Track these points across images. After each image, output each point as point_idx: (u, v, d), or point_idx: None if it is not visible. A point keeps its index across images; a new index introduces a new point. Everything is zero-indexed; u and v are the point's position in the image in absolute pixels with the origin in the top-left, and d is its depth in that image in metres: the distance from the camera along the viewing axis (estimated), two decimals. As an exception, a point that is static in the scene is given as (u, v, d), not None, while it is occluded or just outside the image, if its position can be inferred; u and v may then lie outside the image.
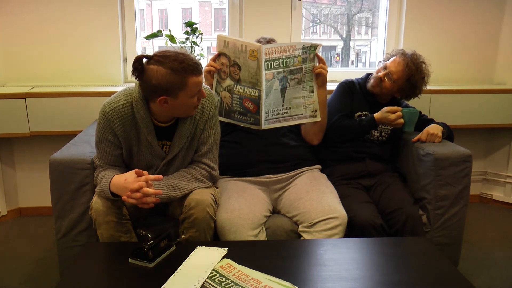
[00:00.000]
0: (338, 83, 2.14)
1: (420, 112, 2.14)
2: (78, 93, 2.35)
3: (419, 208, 1.85)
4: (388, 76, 1.96)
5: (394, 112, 1.92)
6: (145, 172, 1.43)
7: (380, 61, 2.10)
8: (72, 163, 1.65)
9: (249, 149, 1.86)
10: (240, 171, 1.85)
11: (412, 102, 2.13)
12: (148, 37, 2.45)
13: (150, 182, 1.42)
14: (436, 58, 2.68)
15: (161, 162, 1.61)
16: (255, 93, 1.74)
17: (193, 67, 1.43)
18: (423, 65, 1.97)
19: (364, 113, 2.04)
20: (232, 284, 1.16)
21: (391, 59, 2.00)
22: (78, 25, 2.49)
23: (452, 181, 1.82)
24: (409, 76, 1.95)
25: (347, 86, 2.08)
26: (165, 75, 1.41)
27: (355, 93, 2.07)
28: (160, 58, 1.42)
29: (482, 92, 2.61)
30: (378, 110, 1.96)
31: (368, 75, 2.11)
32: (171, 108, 1.48)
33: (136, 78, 1.46)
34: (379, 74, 1.99)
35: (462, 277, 1.23)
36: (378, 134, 2.04)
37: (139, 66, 1.43)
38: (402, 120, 1.93)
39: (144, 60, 1.44)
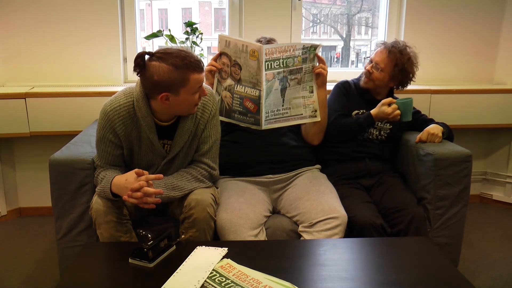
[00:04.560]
0: (335, 84, 2.14)
1: (420, 112, 2.15)
2: (78, 93, 2.36)
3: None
4: (375, 67, 1.98)
5: (389, 105, 1.92)
6: (145, 172, 1.44)
7: (365, 58, 2.12)
8: (72, 163, 1.65)
9: (249, 149, 1.86)
10: (240, 171, 1.85)
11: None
12: (148, 37, 2.45)
13: (150, 181, 1.42)
14: (436, 58, 2.70)
15: (162, 161, 1.61)
16: (255, 93, 1.74)
17: (195, 64, 1.43)
18: (407, 48, 1.99)
19: (361, 111, 2.04)
20: (232, 284, 1.16)
21: (375, 52, 2.03)
22: (78, 25, 2.49)
23: (452, 181, 1.82)
24: (395, 61, 1.96)
25: (343, 87, 2.09)
26: (167, 72, 1.41)
27: (351, 93, 2.08)
28: (162, 54, 1.42)
29: (482, 92, 2.61)
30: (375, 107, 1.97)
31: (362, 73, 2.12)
32: (172, 105, 1.49)
33: (137, 74, 1.47)
34: (367, 68, 2.02)
35: (462, 277, 1.23)
36: (378, 133, 2.04)
37: (141, 62, 1.43)
38: (398, 112, 1.92)
39: (146, 57, 1.44)
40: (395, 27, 2.78)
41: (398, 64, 1.96)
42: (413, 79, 2.04)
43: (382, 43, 2.03)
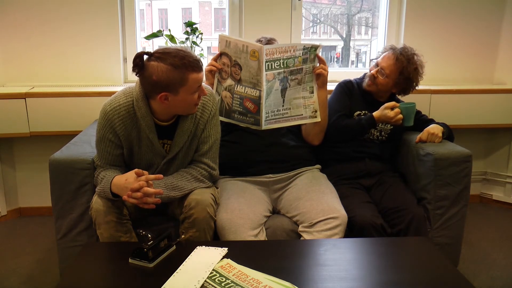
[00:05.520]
0: (337, 83, 2.14)
1: (420, 112, 2.15)
2: (78, 93, 2.36)
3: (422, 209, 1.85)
4: (381, 72, 1.97)
5: (392, 109, 1.92)
6: (145, 172, 1.44)
7: (371, 60, 2.11)
8: (72, 163, 1.65)
9: (249, 149, 1.86)
10: (240, 171, 1.85)
11: (412, 101, 2.13)
12: (148, 37, 2.45)
13: (150, 182, 1.42)
14: (436, 58, 2.70)
15: (161, 161, 1.61)
16: (255, 93, 1.74)
17: (193, 63, 1.43)
18: (415, 57, 1.97)
19: (363, 112, 2.04)
20: (232, 284, 1.16)
21: (382, 56, 2.01)
22: (78, 25, 2.49)
23: (452, 181, 1.82)
24: (402, 69, 1.95)
25: (345, 86, 2.08)
26: (166, 71, 1.41)
27: (354, 93, 2.07)
28: (161, 54, 1.42)
29: (482, 92, 2.61)
30: (377, 109, 1.97)
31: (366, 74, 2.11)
32: (171, 105, 1.49)
33: (136, 75, 1.47)
34: (372, 71, 2.00)
35: (462, 277, 1.23)
36: (378, 134, 2.04)
37: (140, 63, 1.43)
38: (401, 116, 1.93)
39: (145, 57, 1.44)
40: (395, 27, 2.78)
41: (403, 73, 1.95)
42: (416, 88, 2.04)
43: (390, 47, 2.01)
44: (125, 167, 1.63)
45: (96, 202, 1.52)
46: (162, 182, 1.52)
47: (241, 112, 1.79)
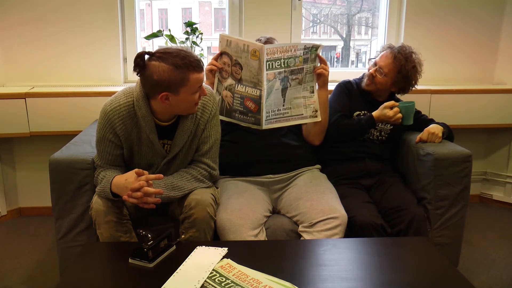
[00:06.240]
0: (337, 84, 2.14)
1: (420, 112, 2.15)
2: (78, 93, 2.36)
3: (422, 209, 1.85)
4: (379, 71, 1.97)
5: (391, 108, 1.92)
6: (145, 172, 1.44)
7: (370, 59, 2.11)
8: (72, 163, 1.65)
9: (249, 149, 1.86)
10: (240, 171, 1.85)
11: (411, 100, 2.13)
12: (148, 37, 2.45)
13: (150, 181, 1.42)
14: (436, 58, 2.70)
15: (161, 161, 1.61)
16: (256, 93, 1.74)
17: (194, 63, 1.44)
18: (413, 55, 1.97)
19: (363, 112, 2.04)
20: (232, 284, 1.16)
21: (380, 55, 2.02)
22: (78, 25, 2.49)
23: (452, 181, 1.82)
24: (400, 68, 1.95)
25: (345, 87, 2.08)
26: (167, 71, 1.41)
27: (353, 93, 2.07)
28: (162, 54, 1.43)
29: (482, 92, 2.61)
30: (377, 109, 1.97)
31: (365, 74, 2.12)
32: (172, 105, 1.49)
33: (137, 74, 1.47)
34: (370, 71, 2.00)
35: (462, 277, 1.23)
36: (378, 134, 2.04)
37: (141, 62, 1.43)
38: (400, 115, 1.92)
39: (146, 56, 1.44)
40: (395, 27, 2.78)
41: (402, 71, 1.95)
42: (415, 86, 2.04)
43: (388, 46, 2.02)
44: (125, 167, 1.63)
45: (96, 202, 1.52)
46: (162, 182, 1.52)
47: (242, 111, 1.79)
